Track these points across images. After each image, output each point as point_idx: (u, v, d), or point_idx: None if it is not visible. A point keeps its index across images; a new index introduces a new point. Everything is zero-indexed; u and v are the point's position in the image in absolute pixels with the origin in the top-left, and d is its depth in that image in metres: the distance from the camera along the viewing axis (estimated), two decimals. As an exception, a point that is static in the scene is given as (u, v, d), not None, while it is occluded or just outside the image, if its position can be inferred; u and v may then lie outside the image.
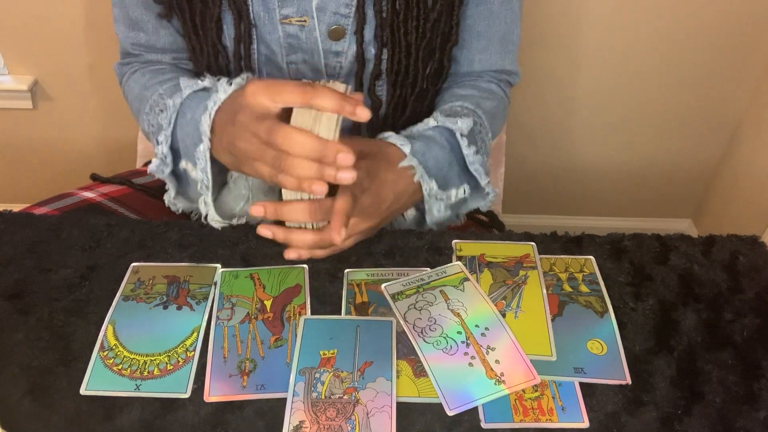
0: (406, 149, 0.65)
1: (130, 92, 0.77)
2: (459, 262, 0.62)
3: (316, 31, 0.71)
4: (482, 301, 0.58)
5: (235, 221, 0.66)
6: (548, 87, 1.41)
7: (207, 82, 0.65)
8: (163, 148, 0.65)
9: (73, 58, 1.36)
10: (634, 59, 1.36)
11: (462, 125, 0.68)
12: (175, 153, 0.66)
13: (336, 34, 0.72)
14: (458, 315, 0.57)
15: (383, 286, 0.59)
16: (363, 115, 0.52)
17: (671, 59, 1.35)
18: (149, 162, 0.91)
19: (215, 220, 0.64)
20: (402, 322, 0.56)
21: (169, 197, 0.69)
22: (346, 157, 0.52)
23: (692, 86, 1.40)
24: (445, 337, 0.55)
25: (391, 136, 0.66)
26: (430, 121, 0.69)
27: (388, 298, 0.58)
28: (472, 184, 0.70)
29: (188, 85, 0.65)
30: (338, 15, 0.71)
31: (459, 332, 0.55)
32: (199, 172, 0.62)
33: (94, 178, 0.82)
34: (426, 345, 0.54)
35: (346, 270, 0.61)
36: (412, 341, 0.55)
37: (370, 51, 0.73)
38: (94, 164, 1.53)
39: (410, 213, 0.71)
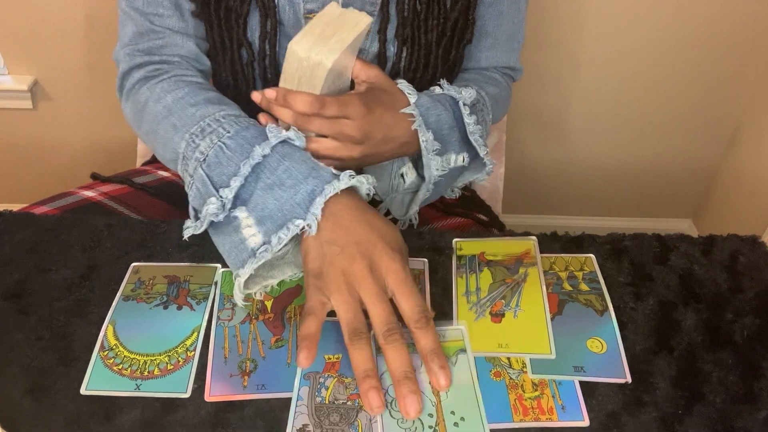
0: (412, 99, 0.66)
1: (155, 100, 0.68)
2: (463, 327, 0.55)
3: None
4: (469, 385, 0.51)
5: (258, 295, 0.59)
6: (548, 87, 1.41)
7: (292, 133, 0.59)
8: (230, 193, 0.56)
9: (73, 58, 1.36)
10: (634, 59, 1.36)
11: (465, 95, 0.70)
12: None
13: None
14: (437, 395, 0.50)
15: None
16: None
17: (671, 59, 1.36)
18: (149, 161, 0.92)
19: (240, 292, 0.56)
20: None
21: (193, 231, 0.59)
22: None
23: (692, 86, 1.40)
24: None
25: (401, 83, 0.68)
26: (436, 89, 0.70)
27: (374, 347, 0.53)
28: (472, 154, 0.71)
29: (274, 134, 0.59)
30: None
31: (431, 415, 0.49)
32: (271, 237, 0.54)
33: (95, 177, 0.82)
34: (391, 419, 0.48)
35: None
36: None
37: (390, 49, 0.74)
38: (94, 164, 1.52)
39: (410, 176, 0.72)
